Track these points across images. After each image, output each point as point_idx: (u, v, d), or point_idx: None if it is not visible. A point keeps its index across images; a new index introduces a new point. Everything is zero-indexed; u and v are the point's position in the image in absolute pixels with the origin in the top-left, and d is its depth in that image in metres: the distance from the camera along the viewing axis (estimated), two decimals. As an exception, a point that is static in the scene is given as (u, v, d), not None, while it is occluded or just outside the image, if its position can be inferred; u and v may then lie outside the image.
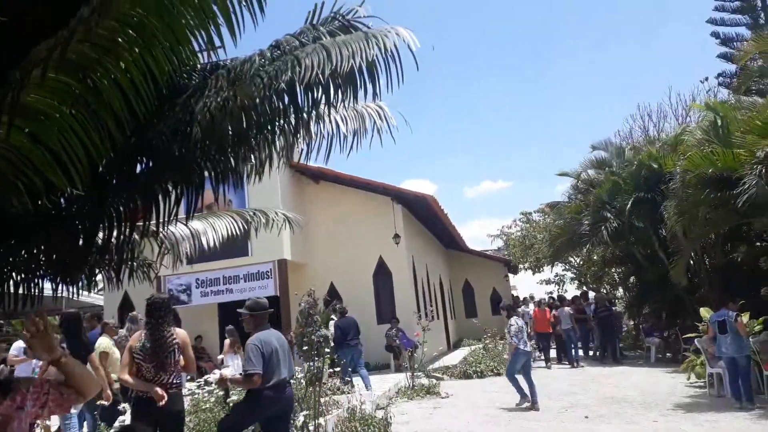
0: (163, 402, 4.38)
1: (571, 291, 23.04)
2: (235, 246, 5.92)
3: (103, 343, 6.99)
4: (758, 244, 13.06)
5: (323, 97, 3.00)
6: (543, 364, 14.56)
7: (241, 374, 4.67)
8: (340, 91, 2.97)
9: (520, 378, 9.38)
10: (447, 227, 19.71)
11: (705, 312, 9.62)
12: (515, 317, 9.60)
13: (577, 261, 21.51)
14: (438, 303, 20.60)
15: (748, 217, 10.13)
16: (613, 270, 19.40)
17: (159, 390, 4.41)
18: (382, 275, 15.97)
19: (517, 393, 9.37)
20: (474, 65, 77.62)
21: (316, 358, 8.04)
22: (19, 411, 1.98)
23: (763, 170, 8.30)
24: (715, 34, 22.14)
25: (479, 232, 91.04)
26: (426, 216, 18.32)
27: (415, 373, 11.37)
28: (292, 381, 6.49)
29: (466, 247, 24.19)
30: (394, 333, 13.60)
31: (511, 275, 26.66)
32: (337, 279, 15.85)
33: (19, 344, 9.02)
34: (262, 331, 4.76)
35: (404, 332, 13.55)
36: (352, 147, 3.60)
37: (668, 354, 14.25)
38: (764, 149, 8.29)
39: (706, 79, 22.41)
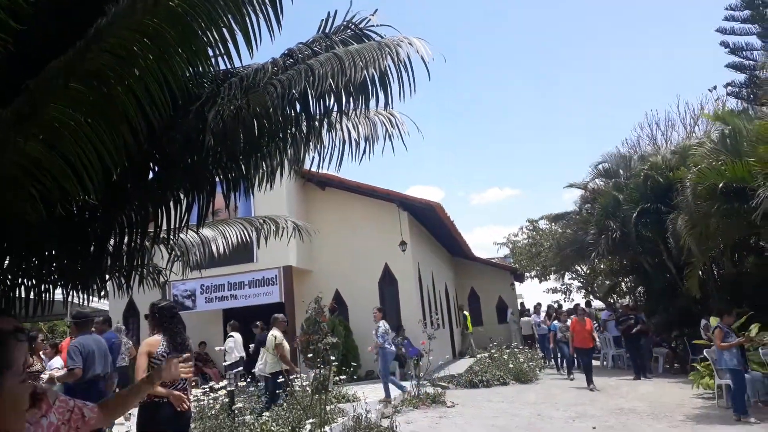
0: (186, 406, 4.43)
1: (578, 300, 22.95)
2: (240, 252, 5.95)
3: (278, 335, 8.96)
4: (767, 254, 12.97)
5: (335, 105, 3.01)
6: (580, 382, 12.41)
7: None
8: (352, 99, 2.97)
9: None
10: (453, 235, 19.68)
11: (714, 321, 9.54)
12: (383, 321, 10.69)
13: (585, 270, 21.44)
14: (443, 311, 20.55)
15: (759, 228, 10.07)
16: (621, 280, 19.33)
17: (180, 394, 4.45)
18: (388, 282, 15.95)
19: (391, 391, 9.81)
20: (484, 73, 77.74)
21: (322, 366, 8.04)
22: (42, 419, 1.98)
23: (775, 181, 8.24)
24: (725, 44, 22.04)
25: (485, 240, 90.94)
26: (432, 223, 18.30)
27: (420, 382, 11.32)
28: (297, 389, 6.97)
29: (472, 254, 24.14)
30: (399, 341, 13.56)
31: (517, 283, 26.57)
32: (342, 286, 15.84)
33: (57, 361, 9.09)
34: (83, 336, 6.06)
35: (410, 340, 13.51)
36: (363, 154, 3.60)
37: (676, 364, 14.15)
38: (775, 159, 8.25)
39: (714, 87, 22.29)
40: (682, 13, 53.16)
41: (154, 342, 4.68)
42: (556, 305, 20.04)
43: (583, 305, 19.27)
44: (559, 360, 14.70)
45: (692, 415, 8.64)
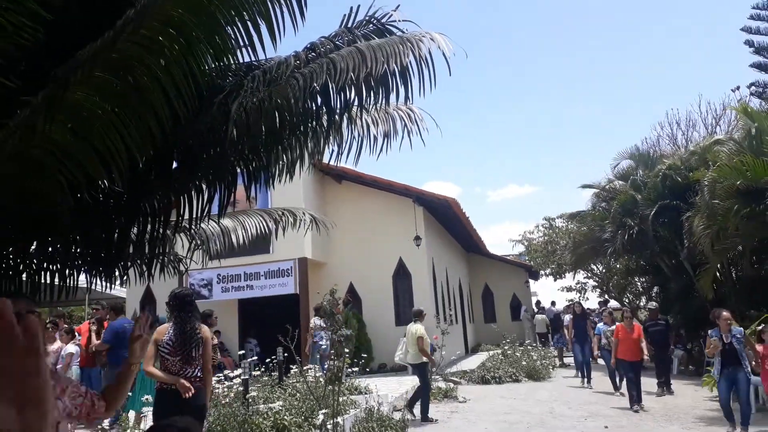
0: (190, 394, 4.45)
1: (593, 299, 22.81)
2: (257, 243, 6.01)
3: (420, 328, 9.19)
4: (787, 257, 12.79)
5: (356, 99, 3.04)
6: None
7: None
8: (372, 93, 2.99)
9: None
10: (468, 231, 19.66)
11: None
12: (317, 317, 11.05)
13: (600, 269, 21.29)
14: (457, 306, 20.55)
15: (779, 230, 9.93)
16: (636, 279, 19.15)
17: (185, 382, 4.48)
18: (402, 276, 15.99)
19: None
20: (506, 69, 77.26)
21: (335, 358, 8.10)
22: (56, 401, 2.05)
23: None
24: (749, 43, 21.66)
25: (502, 237, 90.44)
26: (447, 219, 18.29)
27: (432, 377, 11.34)
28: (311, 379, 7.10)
29: (486, 251, 24.08)
30: (407, 335, 13.60)
31: (531, 281, 26.46)
32: (357, 279, 15.91)
33: (71, 347, 9.32)
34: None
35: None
36: (381, 149, 3.62)
37: (691, 366, 14.02)
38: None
39: (738, 88, 21.93)
40: (707, 11, 52.39)
41: (162, 329, 4.74)
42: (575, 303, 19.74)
43: (600, 304, 19.19)
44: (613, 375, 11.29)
45: (705, 418, 8.57)
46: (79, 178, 2.24)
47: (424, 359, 9.17)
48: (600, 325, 12.06)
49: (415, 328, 9.28)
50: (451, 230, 20.42)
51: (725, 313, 7.51)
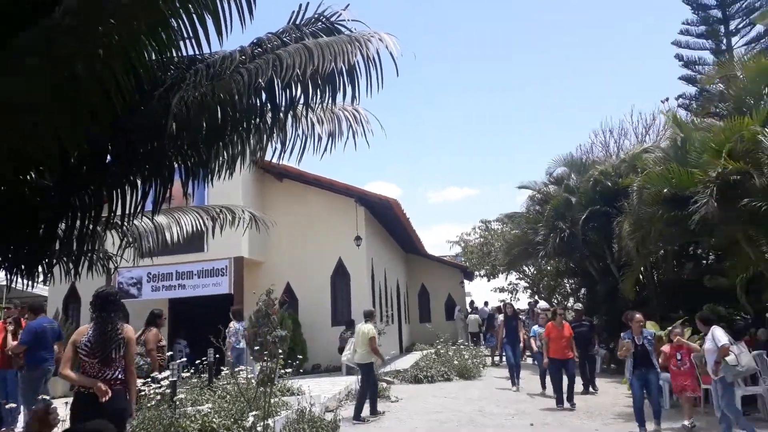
0: (106, 398, 4.25)
1: (524, 300, 23.51)
2: (191, 241, 5.81)
3: (372, 328, 9.31)
4: (704, 262, 13.59)
5: (302, 96, 2.99)
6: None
7: None
8: (319, 91, 2.96)
9: None
10: (408, 232, 19.83)
11: (651, 326, 9.89)
12: (234, 321, 11.45)
13: (532, 271, 21.96)
14: (394, 306, 20.69)
15: (698, 236, 10.53)
16: (565, 281, 19.87)
17: (102, 386, 4.27)
18: (341, 276, 15.94)
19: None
20: (449, 73, 78.41)
21: (269, 359, 7.98)
22: None
23: (715, 190, 8.61)
24: (679, 57, 22.91)
25: (440, 238, 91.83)
26: (388, 219, 18.38)
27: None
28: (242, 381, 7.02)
29: (425, 252, 24.37)
30: (348, 336, 13.54)
31: (466, 281, 26.99)
32: (294, 278, 15.74)
33: None
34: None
35: (350, 338, 13.53)
36: (326, 149, 3.58)
37: (613, 365, 14.66)
38: (717, 169, 8.62)
39: (667, 99, 23.22)
40: (643, 25, 55.06)
41: (82, 330, 4.51)
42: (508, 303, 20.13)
43: (529, 305, 19.77)
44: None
45: (624, 414, 8.91)
46: (5, 171, 2.09)
47: (373, 359, 9.26)
48: (535, 327, 12.06)
49: (367, 328, 9.37)
50: (391, 231, 20.54)
51: (638, 316, 7.82)
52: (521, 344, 13.18)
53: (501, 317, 14.19)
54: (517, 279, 24.12)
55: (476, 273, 25.60)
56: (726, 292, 10.28)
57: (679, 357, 7.75)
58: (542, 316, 11.74)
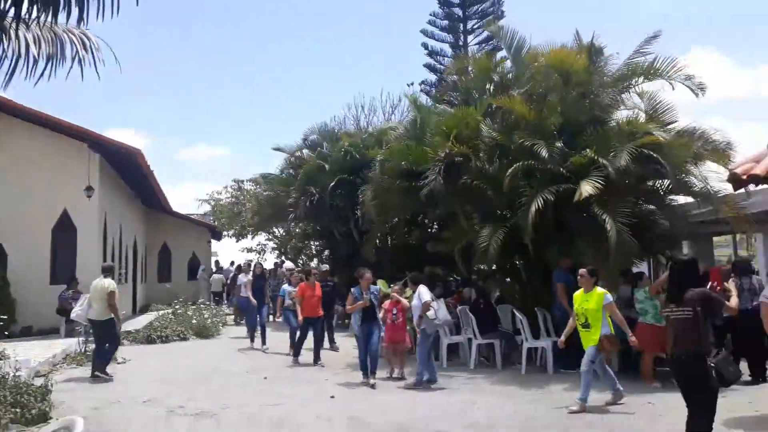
0: None
1: (271, 260, 23.72)
2: None
3: (113, 283, 8.82)
4: (429, 230, 15.28)
5: (11, 7, 2.41)
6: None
7: None
8: (37, 5, 2.41)
9: None
10: (152, 186, 18.29)
11: (381, 284, 10.66)
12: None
13: (281, 232, 22.26)
14: (130, 265, 19.10)
15: (427, 207, 11.74)
16: (312, 243, 20.58)
17: None
18: (65, 230, 14.03)
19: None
20: (209, 28, 73.54)
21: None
22: None
23: (443, 168, 9.65)
24: (425, 45, 25.07)
25: (189, 196, 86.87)
26: (129, 171, 16.66)
27: (88, 339, 10.26)
28: None
29: (170, 209, 22.92)
30: (69, 295, 12.07)
31: (214, 241, 26.22)
32: (5, 231, 13.40)
33: None
34: None
35: (82, 294, 12.12)
36: (43, 74, 2.99)
37: (347, 321, 15.66)
38: (446, 150, 9.66)
39: (412, 84, 25.28)
40: (398, 11, 58.75)
41: None
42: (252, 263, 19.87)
43: (275, 265, 20.01)
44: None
45: (352, 365, 9.47)
46: None
47: (111, 316, 8.72)
48: (285, 286, 11.53)
49: (107, 282, 8.78)
50: (132, 184, 18.74)
51: (368, 274, 8.35)
52: (268, 304, 13.16)
53: (242, 277, 13.81)
54: (266, 240, 24.23)
55: (225, 233, 25.03)
56: (445, 257, 11.62)
57: (394, 312, 8.46)
58: (295, 276, 11.66)
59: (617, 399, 6.62)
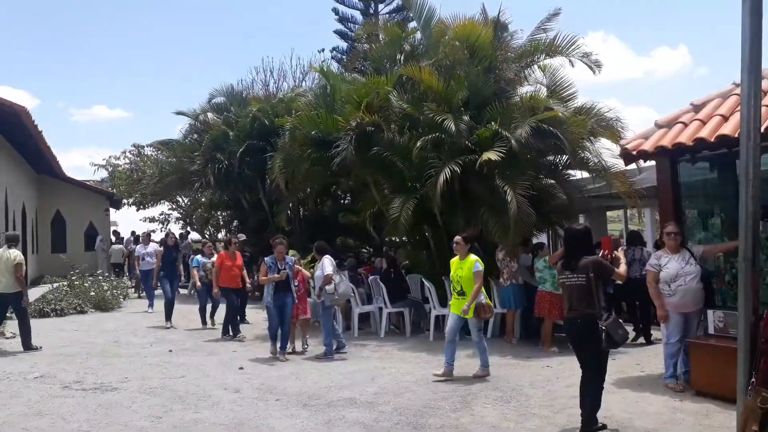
0: None
1: (175, 231, 22.79)
2: None
3: (20, 255, 8.42)
4: (341, 201, 15.27)
5: None
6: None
7: None
8: None
9: None
10: (42, 149, 16.87)
11: (293, 255, 10.57)
12: None
13: (185, 201, 21.37)
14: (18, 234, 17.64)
15: (338, 177, 11.69)
16: (218, 213, 19.95)
17: None
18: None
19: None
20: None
21: None
22: None
23: (354, 137, 9.62)
24: (335, 10, 24.50)
25: (85, 161, 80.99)
26: (14, 132, 15.25)
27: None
28: None
29: (63, 174, 21.32)
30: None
31: (113, 210, 24.75)
32: None
33: None
34: None
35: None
36: None
37: (258, 293, 15.46)
38: (357, 119, 9.61)
39: (323, 50, 24.75)
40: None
41: None
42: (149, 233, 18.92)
43: (181, 236, 19.31)
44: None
45: (261, 336, 9.38)
46: None
47: (20, 288, 8.36)
48: (198, 257, 11.20)
49: (14, 254, 8.34)
50: (17, 146, 17.21)
51: (283, 243, 8.07)
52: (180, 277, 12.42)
53: (140, 247, 13.10)
54: (169, 209, 23.17)
55: (124, 201, 23.67)
56: (357, 228, 11.69)
57: (296, 283, 8.32)
58: (209, 245, 11.47)
59: (484, 374, 6.60)
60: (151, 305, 12.58)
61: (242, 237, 11.72)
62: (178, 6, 62.85)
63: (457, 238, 6.82)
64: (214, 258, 10.40)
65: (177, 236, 13.97)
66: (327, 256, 8.22)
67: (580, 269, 4.58)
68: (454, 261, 6.80)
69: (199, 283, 10.59)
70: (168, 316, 10.80)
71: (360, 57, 14.01)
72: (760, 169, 3.05)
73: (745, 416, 2.32)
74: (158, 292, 12.23)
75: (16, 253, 8.32)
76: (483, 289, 6.73)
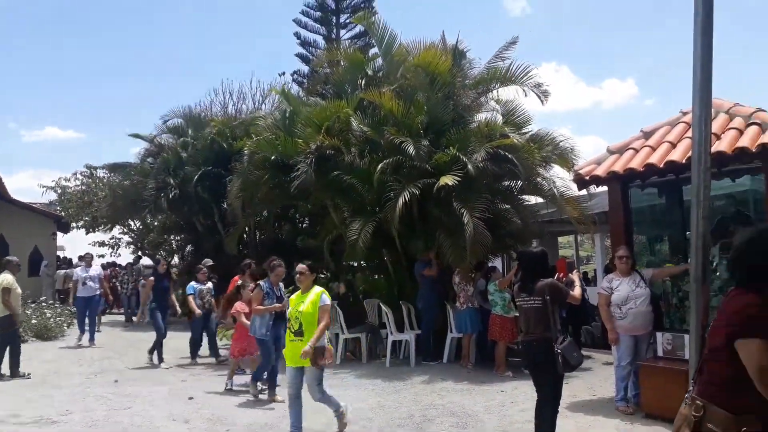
0: None
1: (126, 256, 22.05)
2: None
3: (7, 279, 8.37)
4: (300, 225, 15.08)
5: None
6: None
7: None
8: None
9: None
10: (-16, 168, 16.19)
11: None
12: None
13: (137, 225, 20.72)
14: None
15: (297, 200, 11.55)
16: (171, 237, 19.40)
17: None
18: None
19: None
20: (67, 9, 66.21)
21: None
22: None
23: (314, 161, 9.55)
24: (297, 35, 24.63)
25: (33, 182, 77.83)
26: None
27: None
28: None
29: (8, 196, 20.44)
30: None
31: (60, 234, 23.78)
32: None
33: None
34: None
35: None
36: None
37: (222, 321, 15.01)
38: (317, 142, 9.57)
39: (284, 73, 24.77)
40: None
41: None
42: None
43: (132, 260, 18.69)
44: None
45: (212, 365, 9.18)
46: None
47: (8, 312, 8.35)
48: (193, 283, 9.74)
49: (1, 278, 8.41)
50: (-42, 165, 16.47)
51: (281, 267, 7.27)
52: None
53: (81, 270, 12.10)
54: (120, 233, 22.38)
55: (74, 224, 22.81)
56: (315, 252, 11.52)
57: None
58: (203, 271, 10.03)
59: (342, 425, 5.49)
60: (91, 339, 11.47)
61: (209, 262, 10.80)
62: (136, 28, 62.06)
63: (301, 266, 5.40)
64: (209, 285, 9.80)
65: (168, 263, 12.90)
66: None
67: (537, 292, 4.59)
68: (296, 296, 5.44)
69: (198, 311, 9.37)
70: (158, 353, 9.52)
71: (321, 81, 13.97)
72: (710, 191, 3.11)
73: (679, 424, 2.33)
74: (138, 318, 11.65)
75: (3, 277, 8.41)
76: (327, 331, 5.36)
